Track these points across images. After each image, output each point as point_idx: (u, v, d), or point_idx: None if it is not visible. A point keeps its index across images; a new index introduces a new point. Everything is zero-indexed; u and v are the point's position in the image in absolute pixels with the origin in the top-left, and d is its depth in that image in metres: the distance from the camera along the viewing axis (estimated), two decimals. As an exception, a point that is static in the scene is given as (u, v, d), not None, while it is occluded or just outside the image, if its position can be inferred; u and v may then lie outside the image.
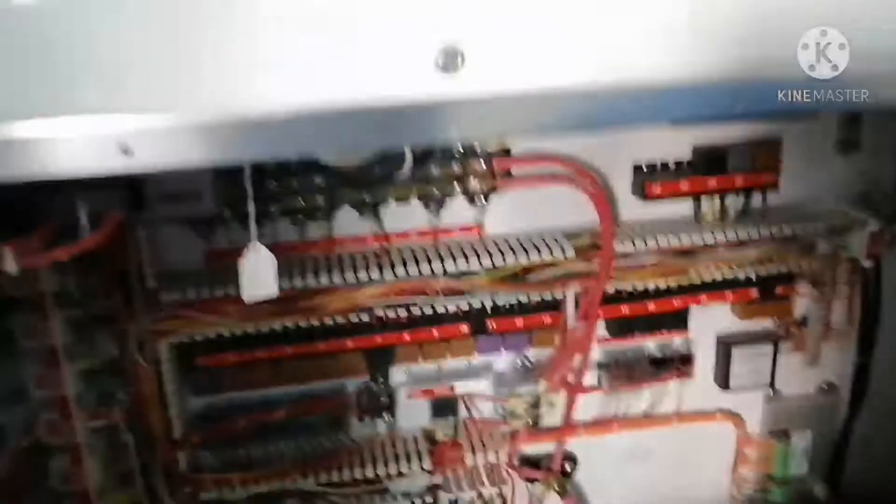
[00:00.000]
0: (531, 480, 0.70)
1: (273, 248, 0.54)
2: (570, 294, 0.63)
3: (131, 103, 0.35)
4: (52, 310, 0.53)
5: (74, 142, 0.35)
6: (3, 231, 0.43)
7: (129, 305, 0.57)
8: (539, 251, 0.60)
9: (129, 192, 0.50)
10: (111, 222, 0.46)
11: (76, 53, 0.33)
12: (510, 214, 0.63)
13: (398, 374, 0.65)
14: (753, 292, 0.65)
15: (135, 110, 0.35)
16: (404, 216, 0.61)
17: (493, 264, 0.60)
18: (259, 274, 0.49)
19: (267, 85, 0.35)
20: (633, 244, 0.61)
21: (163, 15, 0.34)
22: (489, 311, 0.63)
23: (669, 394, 0.69)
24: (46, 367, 0.55)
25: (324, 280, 0.58)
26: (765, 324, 0.68)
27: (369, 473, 0.64)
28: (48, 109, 0.34)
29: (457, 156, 0.59)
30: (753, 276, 0.64)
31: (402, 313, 0.62)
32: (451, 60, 0.36)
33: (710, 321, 0.68)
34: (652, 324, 0.66)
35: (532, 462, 0.70)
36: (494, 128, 0.40)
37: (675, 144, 0.62)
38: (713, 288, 0.64)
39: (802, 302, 0.67)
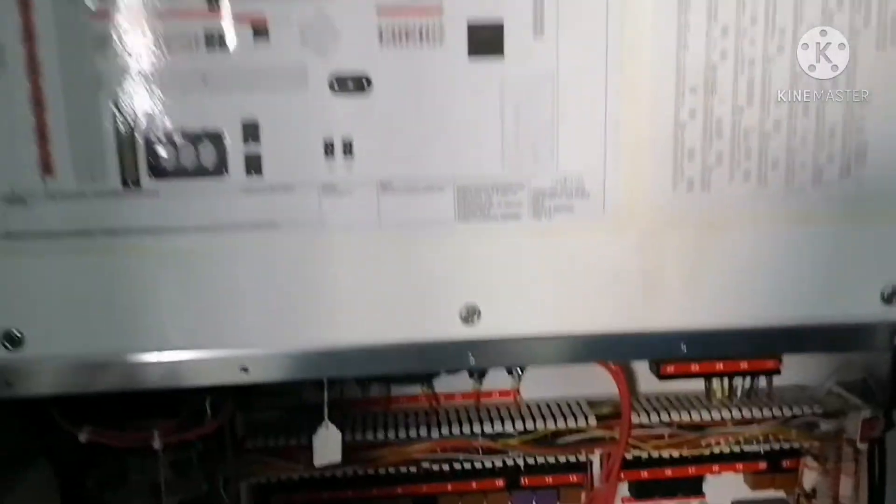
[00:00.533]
0: None
1: (339, 402, 0.65)
2: (595, 457, 0.72)
3: (251, 338, 0.48)
4: (161, 455, 0.66)
5: (210, 363, 0.48)
6: (150, 414, 0.56)
7: (221, 450, 0.69)
8: (566, 418, 0.69)
9: (240, 390, 0.64)
10: (227, 412, 0.59)
11: (219, 301, 0.47)
12: (543, 383, 0.72)
13: (441, 521, 0.75)
14: (762, 464, 0.72)
15: (252, 344, 0.48)
16: (452, 380, 0.72)
17: (526, 428, 0.69)
18: (328, 446, 0.61)
19: (343, 328, 0.48)
20: (649, 417, 0.69)
21: (276, 279, 0.47)
22: (522, 469, 0.72)
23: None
24: (150, 499, 0.67)
25: (381, 435, 0.69)
26: (777, 493, 0.74)
27: None
28: (196, 342, 0.47)
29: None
30: (761, 450, 0.71)
31: (446, 467, 0.71)
32: (470, 315, 0.48)
33: (724, 488, 0.74)
34: (670, 488, 0.73)
35: None
36: (504, 361, 0.51)
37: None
38: (725, 459, 0.71)
39: (811, 475, 0.73)
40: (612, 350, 0.50)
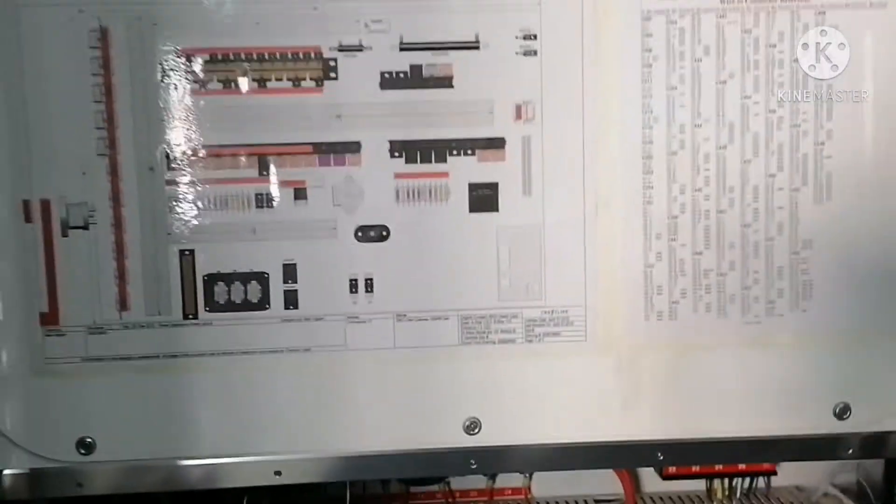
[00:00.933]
0: None
1: (361, 498, 0.72)
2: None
3: (285, 445, 0.56)
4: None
5: (248, 467, 0.56)
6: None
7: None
8: (572, 516, 0.76)
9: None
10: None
11: (260, 412, 0.56)
12: (552, 482, 0.78)
13: None
14: (757, 561, 0.77)
15: (286, 450, 0.56)
16: (468, 477, 0.79)
17: (535, 527, 0.76)
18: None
19: (363, 436, 0.56)
20: (652, 515, 0.75)
21: (307, 394, 0.56)
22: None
23: None
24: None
25: (398, 529, 0.75)
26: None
27: None
28: (237, 449, 0.56)
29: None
30: (759, 548, 0.76)
31: (460, 558, 0.78)
32: (472, 427, 0.56)
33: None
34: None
35: None
36: (502, 467, 0.59)
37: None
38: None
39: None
40: (596, 458, 0.57)
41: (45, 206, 0.53)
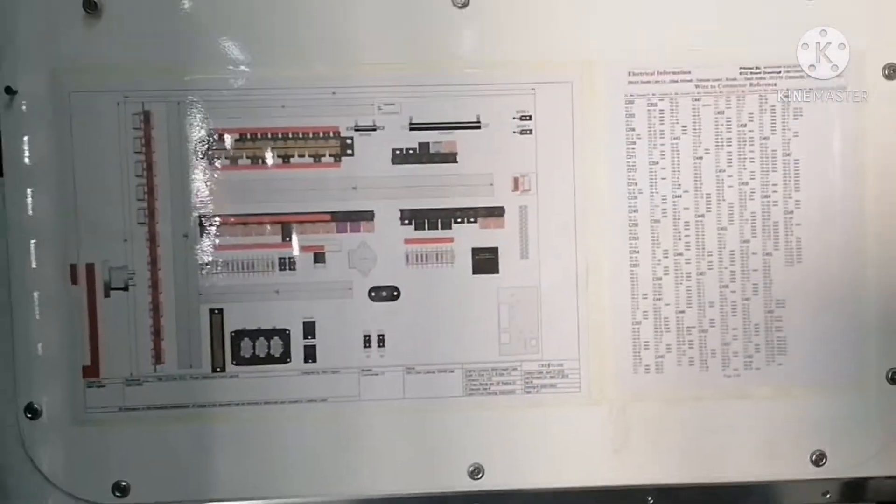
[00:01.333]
0: None
1: None
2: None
3: (302, 488, 0.61)
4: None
5: None
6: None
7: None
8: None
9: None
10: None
11: (281, 457, 0.60)
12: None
13: None
14: None
15: (303, 493, 0.61)
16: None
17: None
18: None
19: (374, 480, 0.61)
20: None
21: (323, 441, 0.60)
22: None
23: None
24: None
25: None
26: None
27: None
28: (258, 491, 0.61)
29: None
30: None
31: None
32: (476, 472, 0.60)
33: None
34: None
35: None
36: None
37: None
38: None
39: None
40: (591, 502, 0.62)
41: (90, 269, 0.59)
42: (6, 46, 0.58)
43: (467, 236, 0.61)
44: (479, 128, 0.60)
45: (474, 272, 0.61)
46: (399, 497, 0.61)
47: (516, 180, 0.61)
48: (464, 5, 0.59)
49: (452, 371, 0.61)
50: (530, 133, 0.60)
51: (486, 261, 0.61)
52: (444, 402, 0.61)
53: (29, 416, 0.59)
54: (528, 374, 0.62)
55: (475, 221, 0.61)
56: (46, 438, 0.60)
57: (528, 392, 0.62)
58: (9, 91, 0.57)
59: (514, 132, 0.60)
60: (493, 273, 0.61)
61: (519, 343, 0.61)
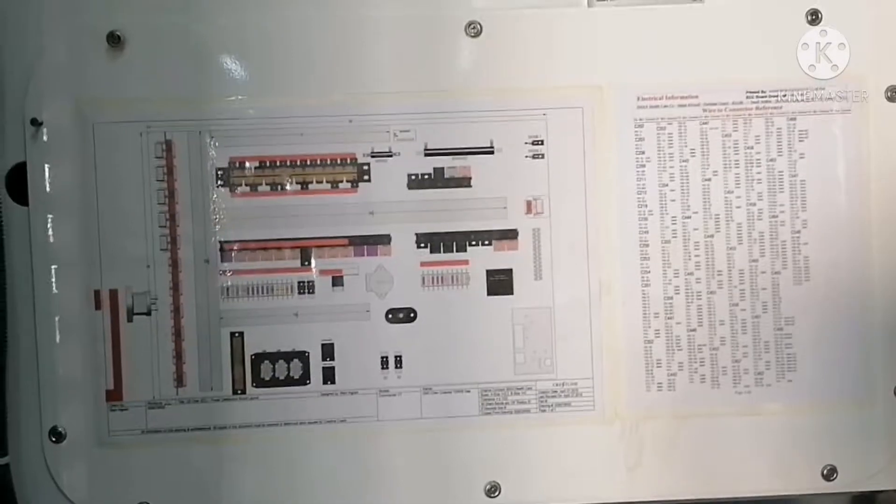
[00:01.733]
0: None
1: None
2: None
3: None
4: None
5: None
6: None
7: None
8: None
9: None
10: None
11: (302, 479, 0.61)
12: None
13: None
14: None
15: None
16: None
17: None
18: None
19: (393, 499, 0.62)
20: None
21: (342, 461, 0.62)
22: None
23: None
24: None
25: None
26: None
27: None
28: None
29: None
30: None
31: None
32: (493, 490, 0.61)
33: None
34: None
35: None
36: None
37: None
38: None
39: None
40: (605, 518, 0.63)
41: (113, 295, 0.61)
42: (32, 79, 0.59)
43: (482, 258, 0.62)
44: (492, 152, 0.62)
45: (489, 293, 0.62)
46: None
47: (529, 203, 0.62)
48: (476, 34, 0.61)
49: (468, 391, 0.62)
50: (542, 157, 0.62)
51: (500, 282, 0.62)
52: (460, 422, 0.62)
53: (53, 439, 0.60)
54: (542, 394, 0.63)
55: (489, 244, 0.62)
56: (71, 461, 0.61)
57: (543, 411, 0.63)
58: (34, 122, 0.59)
59: (527, 156, 0.62)
60: (508, 294, 0.62)
61: (534, 362, 0.63)
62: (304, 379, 0.62)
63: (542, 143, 0.62)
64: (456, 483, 0.62)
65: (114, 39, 0.59)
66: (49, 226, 0.60)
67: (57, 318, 0.60)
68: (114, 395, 0.61)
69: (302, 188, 0.61)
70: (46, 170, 0.60)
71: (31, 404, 0.61)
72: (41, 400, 0.61)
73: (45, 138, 0.59)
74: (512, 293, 0.62)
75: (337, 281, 0.62)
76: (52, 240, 0.60)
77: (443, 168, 0.62)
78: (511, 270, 0.62)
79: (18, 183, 0.60)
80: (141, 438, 0.61)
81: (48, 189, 0.60)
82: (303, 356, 0.62)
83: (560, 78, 0.62)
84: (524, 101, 0.62)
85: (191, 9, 0.61)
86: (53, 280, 0.60)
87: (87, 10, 0.60)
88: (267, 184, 0.61)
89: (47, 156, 0.60)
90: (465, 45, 0.61)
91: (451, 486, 0.62)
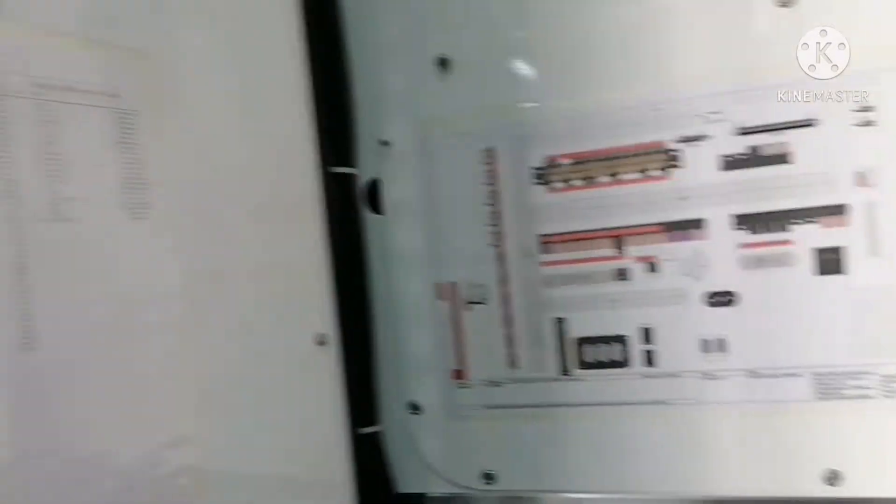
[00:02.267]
0: None
1: None
2: None
3: (643, 485, 0.65)
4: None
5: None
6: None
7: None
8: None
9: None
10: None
11: (622, 455, 0.65)
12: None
13: None
14: None
15: (647, 491, 0.65)
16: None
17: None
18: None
19: (716, 481, 0.62)
20: None
21: (664, 442, 0.64)
22: None
23: None
24: None
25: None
26: None
27: None
28: (606, 487, 0.66)
29: None
30: None
31: None
32: (832, 478, 0.59)
33: None
34: None
35: None
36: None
37: None
38: None
39: None
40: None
41: (452, 287, 0.69)
42: (378, 106, 0.70)
43: (807, 237, 0.59)
44: (811, 125, 0.59)
45: (818, 273, 0.59)
46: (747, 499, 0.62)
47: (859, 175, 0.58)
48: (785, 4, 0.59)
49: (800, 375, 0.60)
50: (873, 125, 0.57)
51: (830, 261, 0.59)
52: (792, 406, 0.60)
53: (412, 411, 0.71)
54: (886, 378, 0.58)
55: (815, 221, 0.59)
56: (428, 431, 0.71)
57: (888, 396, 0.58)
58: (384, 144, 0.70)
59: (853, 125, 0.58)
60: (840, 273, 0.59)
61: (873, 345, 0.58)
62: (625, 361, 0.65)
63: (873, 111, 0.57)
64: (790, 469, 0.60)
65: (443, 63, 0.68)
66: (400, 230, 0.71)
67: (409, 309, 0.71)
68: (459, 375, 0.70)
69: (613, 179, 0.64)
70: (395, 183, 0.70)
71: (390, 381, 0.72)
72: (399, 378, 0.72)
73: (393, 156, 0.70)
74: (844, 272, 0.58)
75: (652, 267, 0.63)
76: (401, 242, 0.71)
77: (758, 146, 0.60)
78: (841, 248, 0.59)
79: (371, 195, 0.72)
80: (484, 413, 0.69)
81: (397, 199, 0.71)
82: (622, 340, 0.65)
83: (889, 35, 0.56)
84: (848, 65, 0.57)
85: (501, 28, 0.67)
86: (405, 275, 0.71)
87: (419, 38, 0.69)
88: (581, 178, 0.65)
89: (396, 171, 0.70)
90: (773, 16, 0.59)
91: (785, 472, 0.60)
